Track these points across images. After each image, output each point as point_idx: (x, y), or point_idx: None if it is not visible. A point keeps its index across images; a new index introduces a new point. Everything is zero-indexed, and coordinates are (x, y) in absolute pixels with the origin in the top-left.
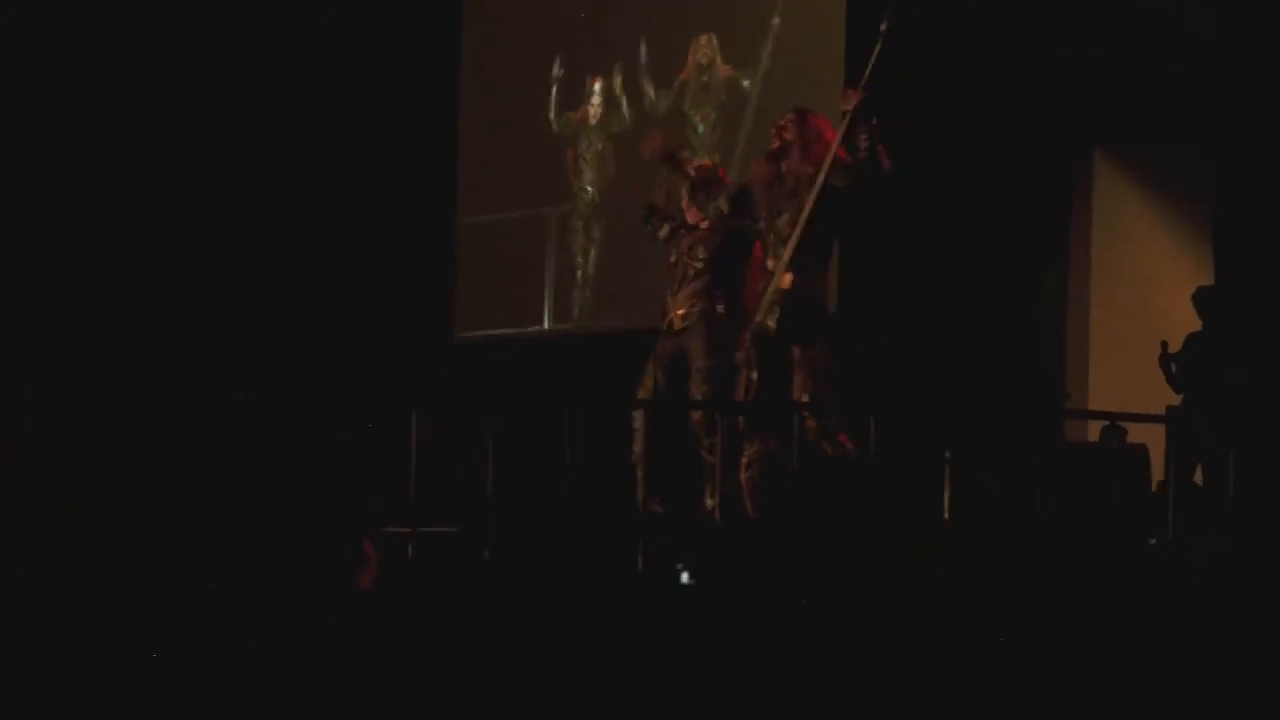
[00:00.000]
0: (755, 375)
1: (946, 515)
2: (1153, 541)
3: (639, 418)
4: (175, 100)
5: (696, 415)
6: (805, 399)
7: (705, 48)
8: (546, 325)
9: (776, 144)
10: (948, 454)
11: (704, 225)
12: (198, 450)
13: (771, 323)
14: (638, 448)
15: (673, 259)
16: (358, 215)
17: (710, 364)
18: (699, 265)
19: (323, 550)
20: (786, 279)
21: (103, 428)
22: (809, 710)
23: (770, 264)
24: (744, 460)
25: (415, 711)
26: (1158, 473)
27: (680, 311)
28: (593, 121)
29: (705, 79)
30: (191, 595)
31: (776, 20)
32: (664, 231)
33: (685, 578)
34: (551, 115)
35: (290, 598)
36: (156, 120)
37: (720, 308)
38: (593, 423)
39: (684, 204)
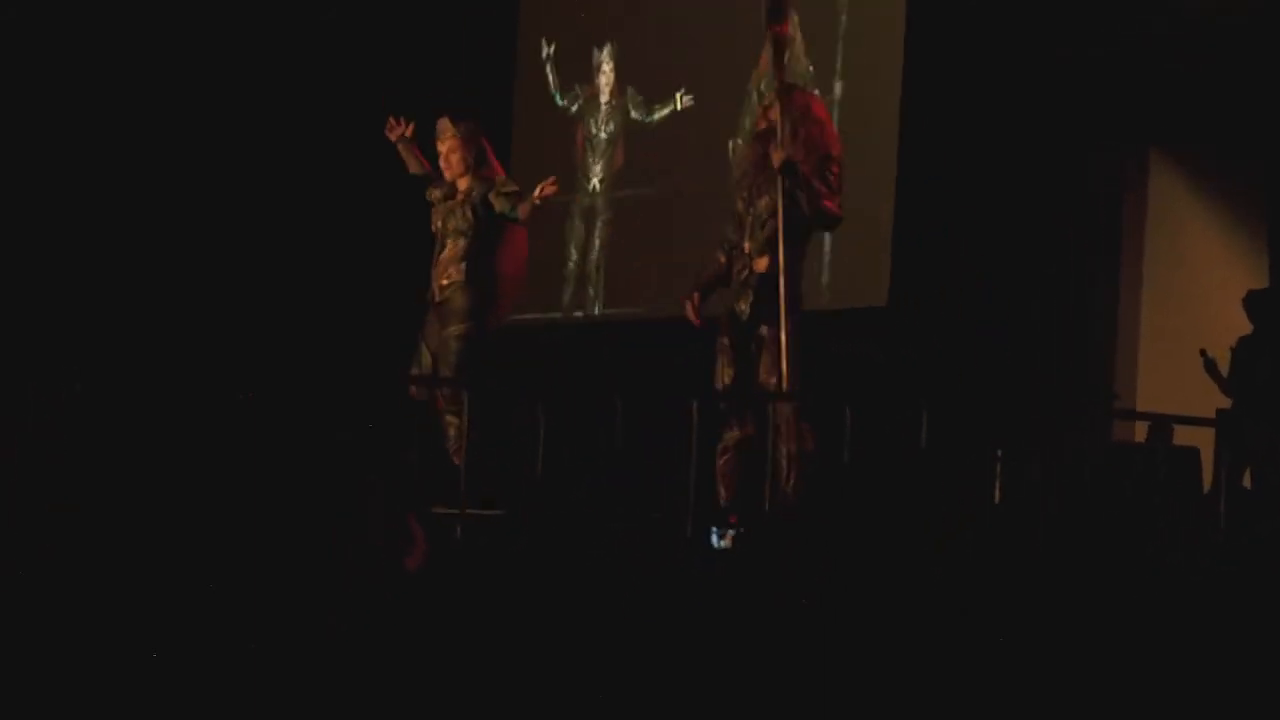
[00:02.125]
0: (731, 366)
1: (997, 508)
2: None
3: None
4: (195, 98)
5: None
6: (772, 382)
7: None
8: (563, 313)
9: (763, 125)
10: (999, 451)
11: (460, 193)
12: (206, 446)
13: (744, 306)
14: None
15: (434, 228)
16: (374, 200)
17: (464, 327)
18: (455, 234)
19: (324, 548)
20: (762, 262)
21: (103, 427)
22: (809, 708)
23: (746, 247)
24: (720, 447)
25: (456, 690)
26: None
27: (443, 282)
28: (605, 96)
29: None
30: (191, 595)
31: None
32: None
33: (716, 541)
34: (554, 92)
35: (292, 595)
36: (175, 122)
37: (478, 274)
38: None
39: (450, 166)
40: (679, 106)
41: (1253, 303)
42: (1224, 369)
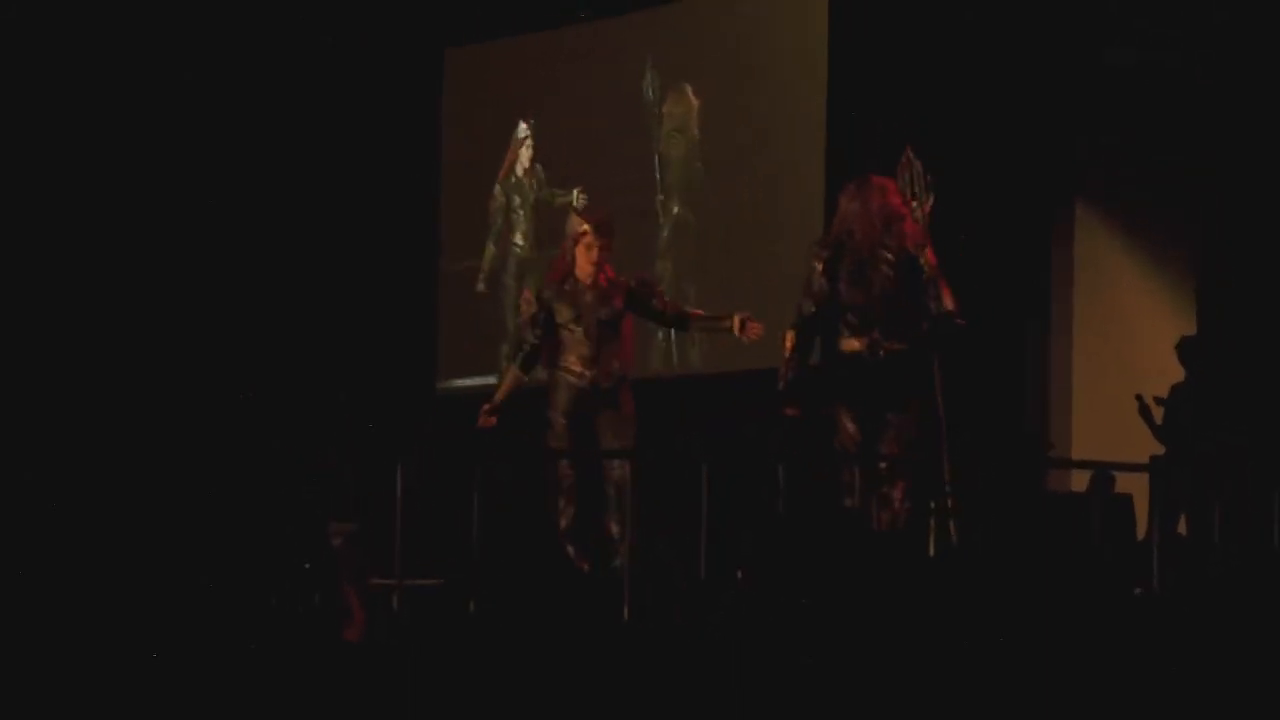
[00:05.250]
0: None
1: (931, 564)
2: (1138, 591)
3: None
4: (162, 143)
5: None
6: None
7: (676, 103)
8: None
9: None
10: (933, 504)
11: (604, 284)
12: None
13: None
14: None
15: (567, 315)
16: (338, 262)
17: (629, 419)
18: (606, 324)
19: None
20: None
21: (95, 440)
22: None
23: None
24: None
25: None
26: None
27: (608, 370)
28: (523, 166)
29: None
30: (186, 600)
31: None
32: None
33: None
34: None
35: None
36: (147, 155)
37: (621, 361)
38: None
39: (591, 262)
40: (575, 202)
41: (1186, 349)
42: (1158, 415)
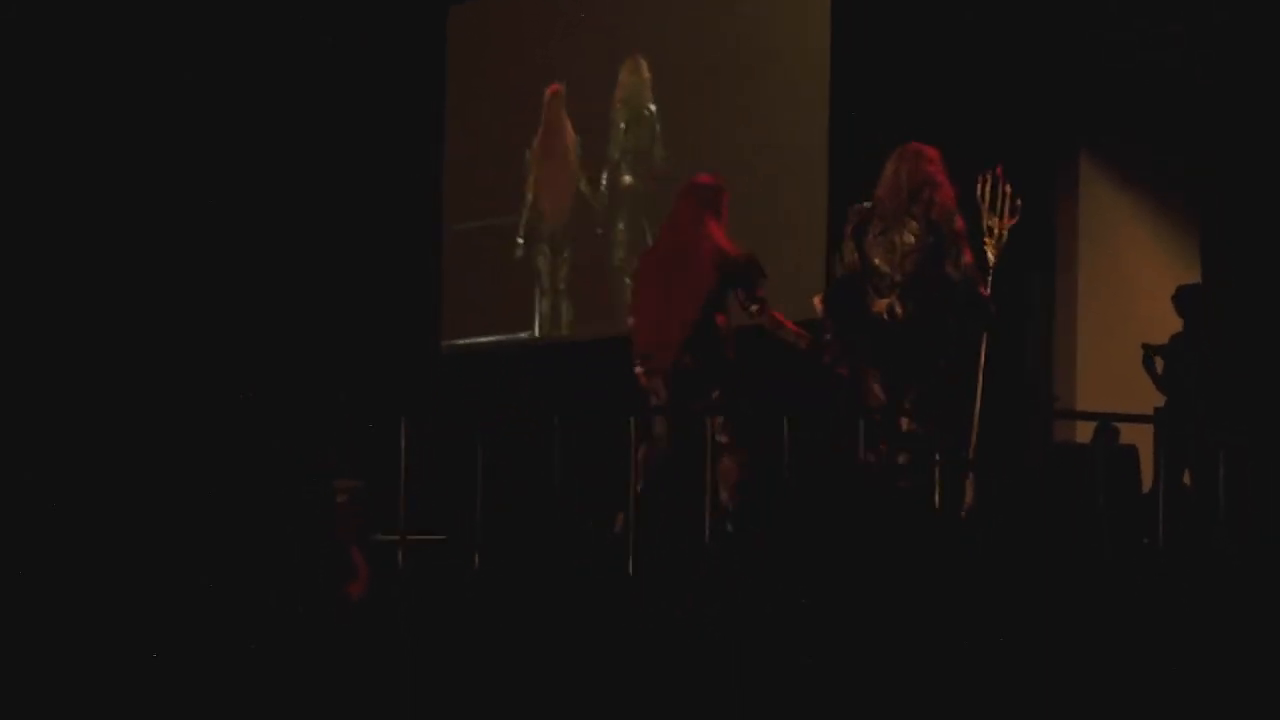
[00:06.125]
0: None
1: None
2: (1145, 541)
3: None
4: (162, 109)
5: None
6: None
7: (631, 73)
8: (536, 333)
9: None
10: (938, 457)
11: None
12: (182, 454)
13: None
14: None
15: None
16: (343, 223)
17: None
18: None
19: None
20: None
21: (90, 435)
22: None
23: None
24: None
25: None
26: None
27: None
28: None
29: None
30: (183, 597)
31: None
32: None
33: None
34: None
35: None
36: (142, 129)
37: None
38: (582, 431)
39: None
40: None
41: (1183, 298)
42: (1159, 366)
